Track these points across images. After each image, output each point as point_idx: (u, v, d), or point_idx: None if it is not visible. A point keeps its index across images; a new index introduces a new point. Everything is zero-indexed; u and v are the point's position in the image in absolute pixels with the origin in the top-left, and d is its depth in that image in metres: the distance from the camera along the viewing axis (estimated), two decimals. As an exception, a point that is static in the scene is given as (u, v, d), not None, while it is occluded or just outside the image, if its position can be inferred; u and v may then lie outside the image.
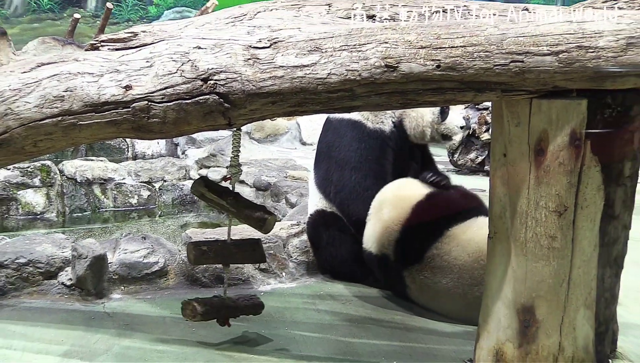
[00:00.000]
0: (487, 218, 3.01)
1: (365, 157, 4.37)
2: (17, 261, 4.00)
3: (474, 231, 3.75)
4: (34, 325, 3.63)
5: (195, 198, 6.71)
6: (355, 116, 4.38)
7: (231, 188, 3.48)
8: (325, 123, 4.60)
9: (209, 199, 3.52)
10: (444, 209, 3.97)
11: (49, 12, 14.69)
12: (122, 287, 4.11)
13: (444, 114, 4.47)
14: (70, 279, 4.01)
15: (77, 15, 11.10)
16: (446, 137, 4.60)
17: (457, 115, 4.59)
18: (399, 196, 4.08)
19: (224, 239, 3.57)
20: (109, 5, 11.07)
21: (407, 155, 4.53)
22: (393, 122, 4.46)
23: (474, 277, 3.63)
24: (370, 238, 4.11)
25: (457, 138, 4.77)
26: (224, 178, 3.55)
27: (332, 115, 4.45)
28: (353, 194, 4.35)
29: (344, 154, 4.41)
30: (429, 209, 3.98)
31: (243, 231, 4.08)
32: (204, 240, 3.89)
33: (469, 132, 7.45)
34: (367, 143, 4.38)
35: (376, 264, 4.10)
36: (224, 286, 3.57)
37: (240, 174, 3.50)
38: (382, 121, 4.44)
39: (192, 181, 3.75)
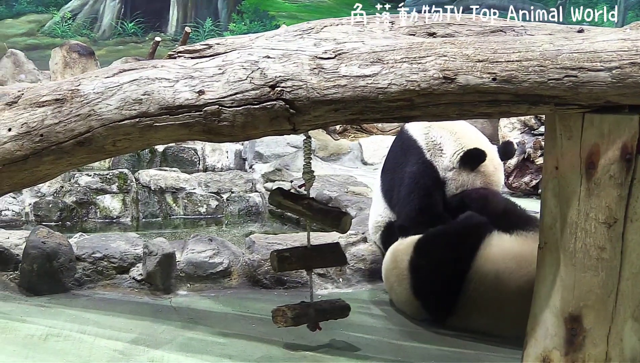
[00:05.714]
0: None
1: (416, 181, 4.21)
2: (93, 255, 4.11)
3: None
4: (106, 314, 3.72)
5: (260, 208, 6.85)
6: (420, 139, 4.22)
7: (306, 194, 3.46)
8: (398, 134, 4.52)
9: (286, 207, 3.51)
10: None
11: (132, 35, 15.05)
12: (188, 284, 4.18)
13: None
14: (141, 274, 4.09)
15: (157, 39, 11.33)
16: None
17: None
18: None
19: (304, 245, 3.54)
20: (187, 29, 11.29)
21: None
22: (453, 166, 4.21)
23: None
24: None
25: None
26: (300, 185, 3.54)
27: (406, 127, 4.37)
28: (404, 212, 4.24)
29: (401, 172, 4.32)
30: None
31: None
32: (285, 247, 3.82)
33: (524, 157, 7.32)
34: (420, 169, 4.21)
35: None
36: (309, 291, 3.51)
37: (314, 179, 3.45)
38: (442, 156, 4.20)
39: (269, 192, 3.73)
